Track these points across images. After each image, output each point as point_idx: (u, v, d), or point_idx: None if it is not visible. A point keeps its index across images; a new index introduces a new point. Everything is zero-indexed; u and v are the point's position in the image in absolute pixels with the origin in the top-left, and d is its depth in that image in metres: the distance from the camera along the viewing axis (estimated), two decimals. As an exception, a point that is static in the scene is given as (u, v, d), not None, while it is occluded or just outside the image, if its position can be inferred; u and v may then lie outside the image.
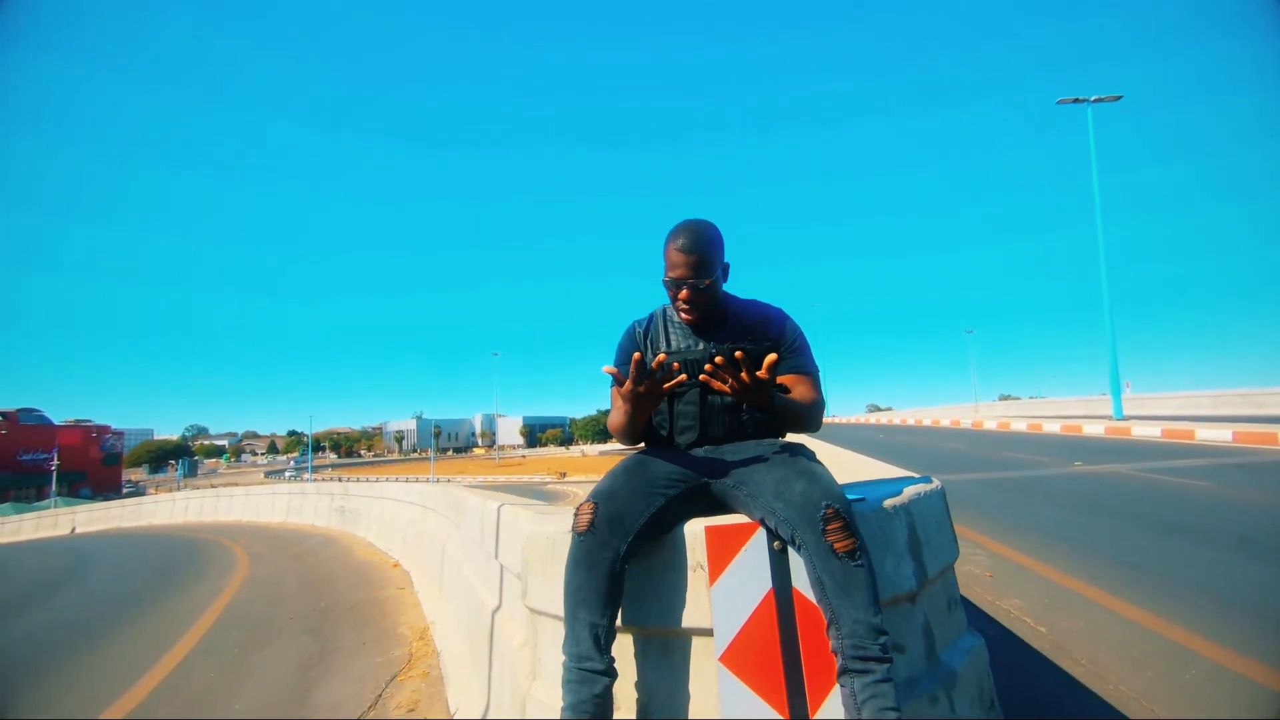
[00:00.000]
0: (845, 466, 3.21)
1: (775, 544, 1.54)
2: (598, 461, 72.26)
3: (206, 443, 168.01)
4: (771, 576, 1.54)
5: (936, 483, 2.05)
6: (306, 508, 15.92)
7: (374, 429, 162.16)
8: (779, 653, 1.50)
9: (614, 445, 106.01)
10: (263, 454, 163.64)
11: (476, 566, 3.73)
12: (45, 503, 46.23)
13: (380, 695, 3.77)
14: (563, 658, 1.54)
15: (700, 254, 1.72)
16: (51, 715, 4.01)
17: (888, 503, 1.75)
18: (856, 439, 21.65)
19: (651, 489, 1.60)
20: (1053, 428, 19.49)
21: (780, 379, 1.75)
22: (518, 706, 2.01)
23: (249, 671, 4.48)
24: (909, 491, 1.85)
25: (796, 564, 1.52)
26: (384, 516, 10.71)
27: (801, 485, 1.48)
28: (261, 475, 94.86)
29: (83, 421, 77.40)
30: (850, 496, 1.62)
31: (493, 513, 3.16)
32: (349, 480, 14.61)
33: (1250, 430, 12.51)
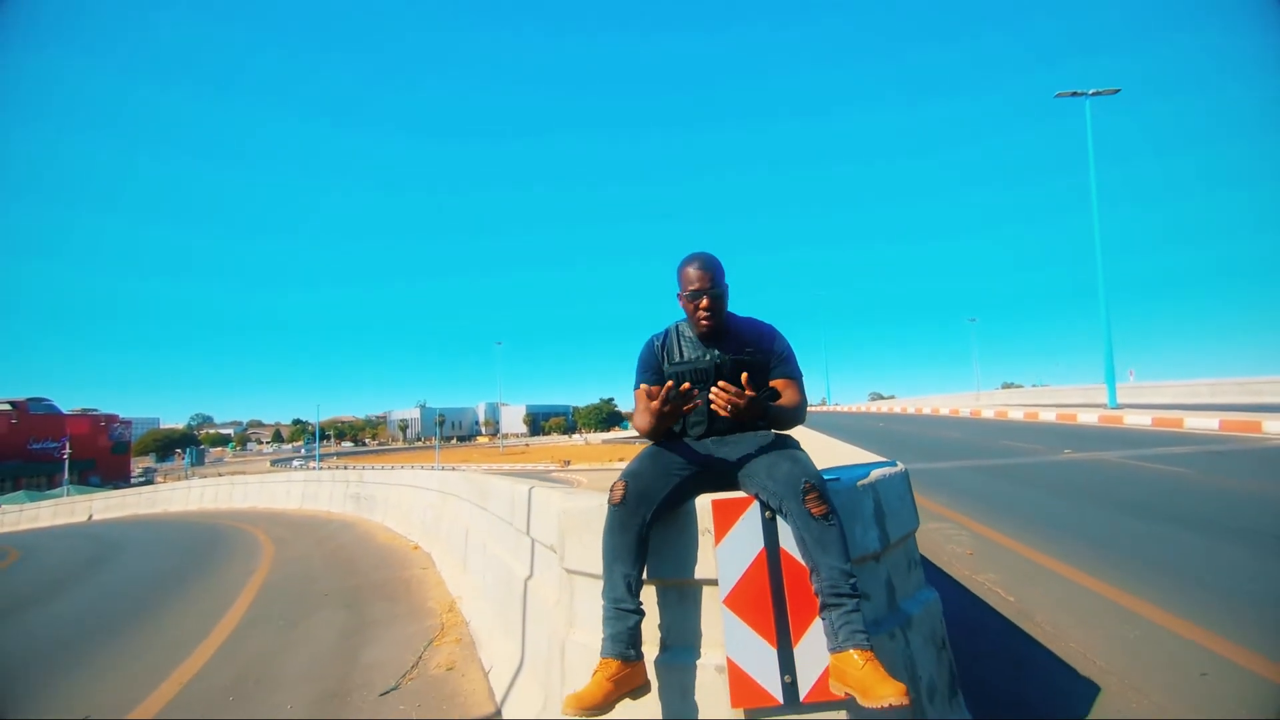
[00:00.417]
0: (830, 452, 3.64)
1: (766, 514, 1.97)
2: (601, 450, 72.99)
3: (212, 431, 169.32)
4: (763, 539, 1.97)
5: (901, 466, 2.49)
6: (322, 494, 16.42)
7: (378, 418, 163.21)
8: (769, 597, 1.94)
9: (615, 434, 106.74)
10: (268, 442, 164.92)
11: (506, 543, 4.18)
12: (58, 491, 46.97)
13: (420, 657, 4.22)
14: (601, 603, 1.98)
15: (712, 270, 2.19)
16: (132, 674, 4.48)
17: (858, 482, 2.18)
18: (856, 428, 22.10)
19: (670, 471, 2.04)
20: (1048, 416, 19.90)
21: (773, 383, 2.18)
22: (556, 651, 2.45)
23: (298, 639, 4.95)
24: (876, 474, 2.29)
25: (783, 530, 1.95)
26: (401, 502, 11.19)
27: (786, 466, 1.92)
28: (268, 464, 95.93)
29: (90, 411, 78.30)
30: (827, 476, 2.07)
31: (523, 495, 3.60)
32: (355, 468, 15.10)
33: (1235, 419, 12.92)
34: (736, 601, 1.94)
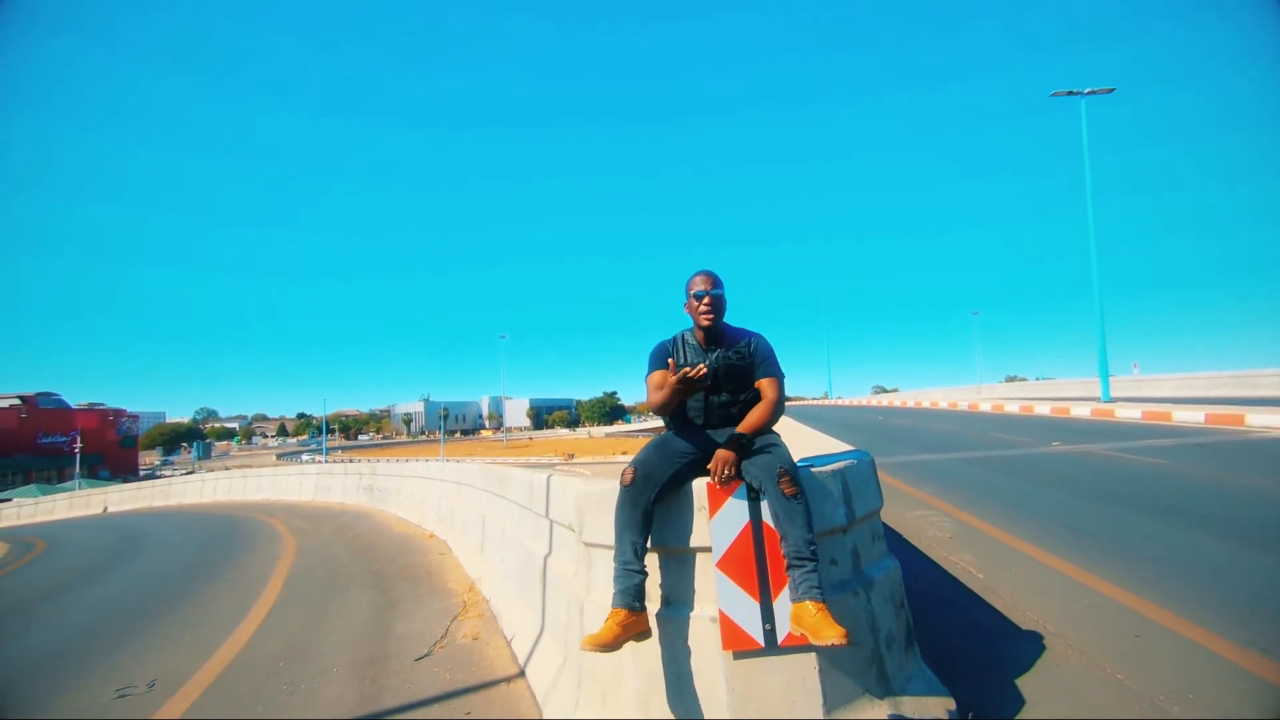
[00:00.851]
0: (812, 443, 4.06)
1: (750, 494, 2.41)
2: (604, 443, 73.49)
3: (217, 425, 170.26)
4: (749, 514, 2.41)
5: (868, 455, 2.92)
6: (335, 487, 16.91)
7: (382, 411, 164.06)
8: (753, 561, 2.37)
9: (619, 428, 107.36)
10: (273, 436, 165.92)
11: (525, 526, 4.63)
12: (69, 484, 47.65)
13: (447, 629, 4.68)
14: (613, 565, 2.42)
15: (714, 279, 2.68)
16: (182, 646, 4.95)
17: (830, 467, 2.62)
18: (854, 421, 22.52)
19: (672, 458, 2.48)
20: (1043, 410, 20.30)
21: (757, 383, 2.63)
22: (576, 611, 2.89)
23: (333, 615, 5.41)
24: (845, 461, 2.72)
25: (764, 507, 2.39)
26: (414, 493, 11.66)
27: (766, 455, 2.36)
28: (273, 457, 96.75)
29: (97, 405, 79.10)
30: (806, 463, 2.51)
31: (542, 481, 4.04)
32: (361, 462, 15.50)
33: (1220, 412, 13.32)
34: (727, 565, 2.37)
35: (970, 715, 2.60)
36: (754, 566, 2.37)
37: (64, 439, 66.27)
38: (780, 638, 2.31)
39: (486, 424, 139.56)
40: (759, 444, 2.46)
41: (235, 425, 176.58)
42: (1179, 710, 2.61)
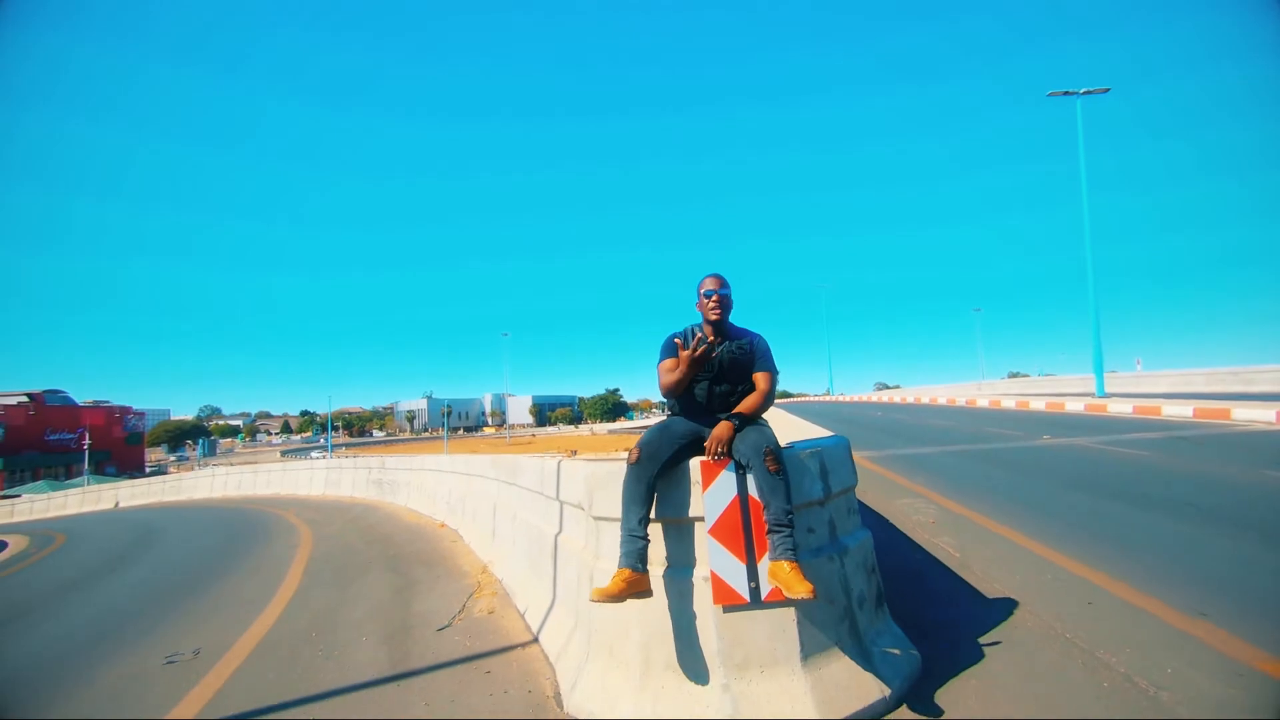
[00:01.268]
0: (800, 431, 4.44)
1: (739, 470, 2.78)
2: (607, 440, 73.87)
3: (221, 423, 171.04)
4: (737, 488, 2.78)
5: (845, 440, 3.29)
6: (344, 481, 17.33)
7: (385, 409, 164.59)
8: (741, 528, 2.75)
9: (621, 425, 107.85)
10: (276, 433, 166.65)
11: (536, 509, 5.00)
12: (78, 480, 48.25)
13: (464, 605, 5.06)
14: (620, 533, 2.79)
15: (723, 278, 3.07)
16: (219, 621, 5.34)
17: (810, 450, 2.99)
18: (853, 417, 22.87)
19: (673, 439, 2.85)
20: (1038, 405, 20.65)
21: (753, 376, 3.01)
22: (586, 577, 3.26)
23: (355, 595, 5.80)
24: (825, 443, 3.09)
25: (750, 482, 2.76)
26: (424, 486, 12.05)
27: (754, 436, 2.73)
28: (278, 454, 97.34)
29: (103, 402, 79.77)
30: (789, 444, 2.88)
31: (553, 467, 4.41)
32: (370, 457, 15.86)
33: (1208, 406, 13.65)
34: (717, 531, 2.75)
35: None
36: (741, 533, 2.74)
37: (71, 436, 66.98)
38: (764, 594, 2.68)
39: (489, 421, 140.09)
40: (749, 427, 2.83)
41: (239, 422, 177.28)
42: (1115, 660, 2.98)
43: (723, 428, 2.79)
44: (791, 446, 2.98)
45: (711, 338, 3.04)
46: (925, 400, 33.28)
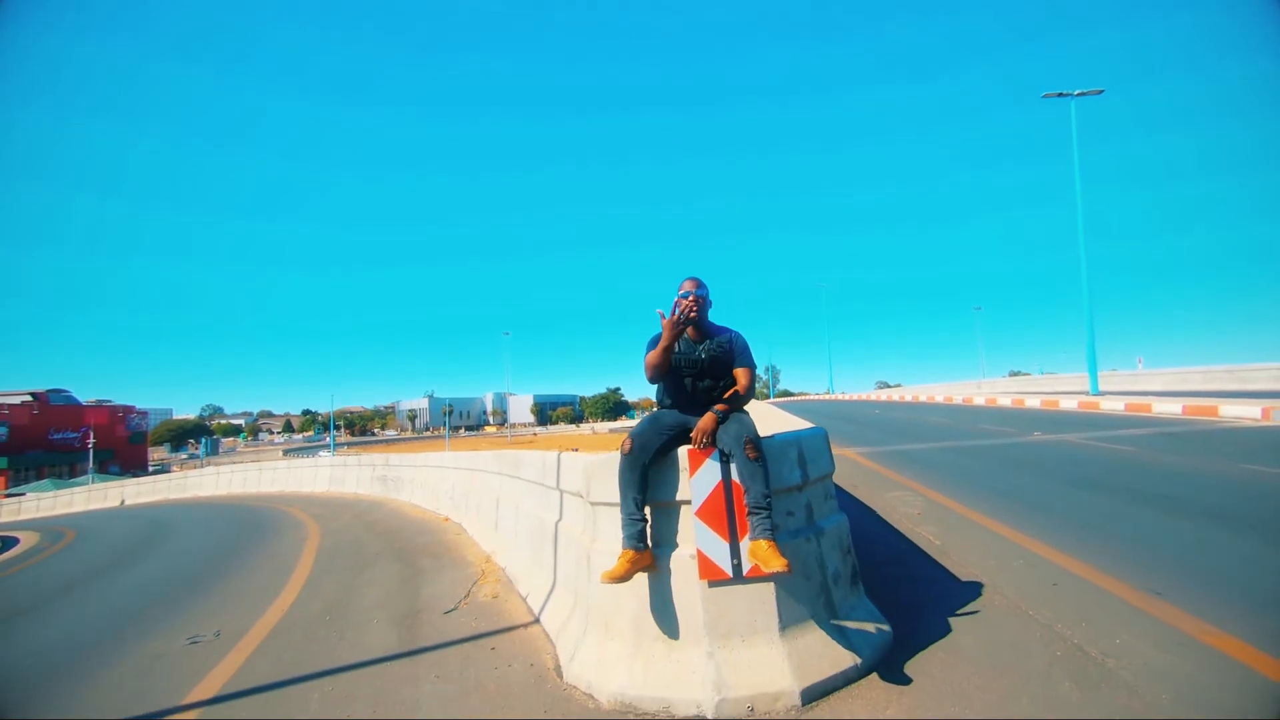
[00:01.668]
0: (786, 423, 4.69)
1: (722, 458, 3.04)
2: (608, 439, 74.10)
3: (223, 422, 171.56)
4: (720, 474, 3.04)
5: (822, 429, 3.55)
6: (349, 478, 17.61)
7: (386, 408, 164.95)
8: (724, 511, 3.00)
9: (622, 424, 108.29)
10: (279, 433, 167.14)
11: (537, 499, 5.27)
12: (82, 479, 48.60)
13: (469, 591, 5.33)
14: (618, 521, 3.05)
15: (700, 280, 3.31)
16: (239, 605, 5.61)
17: (789, 440, 3.25)
18: (851, 414, 23.12)
19: (662, 430, 3.11)
20: (1033, 403, 20.89)
21: (734, 371, 3.26)
22: (584, 559, 3.52)
23: (364, 583, 6.06)
24: (803, 434, 3.35)
25: (732, 468, 3.02)
26: (428, 482, 12.33)
27: (735, 427, 2.99)
28: (280, 453, 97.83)
29: (106, 401, 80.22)
30: (770, 435, 3.14)
31: (553, 459, 4.68)
32: (373, 455, 16.13)
33: (1198, 404, 13.90)
34: (703, 513, 3.00)
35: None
36: (725, 515, 3.00)
37: (75, 435, 67.39)
38: (745, 570, 2.94)
39: (490, 420, 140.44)
40: (731, 418, 3.09)
41: (241, 421, 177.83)
42: (1071, 633, 3.24)
43: (707, 419, 3.05)
44: (772, 437, 3.24)
45: (693, 337, 3.30)
46: (924, 399, 33.54)
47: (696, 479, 3.03)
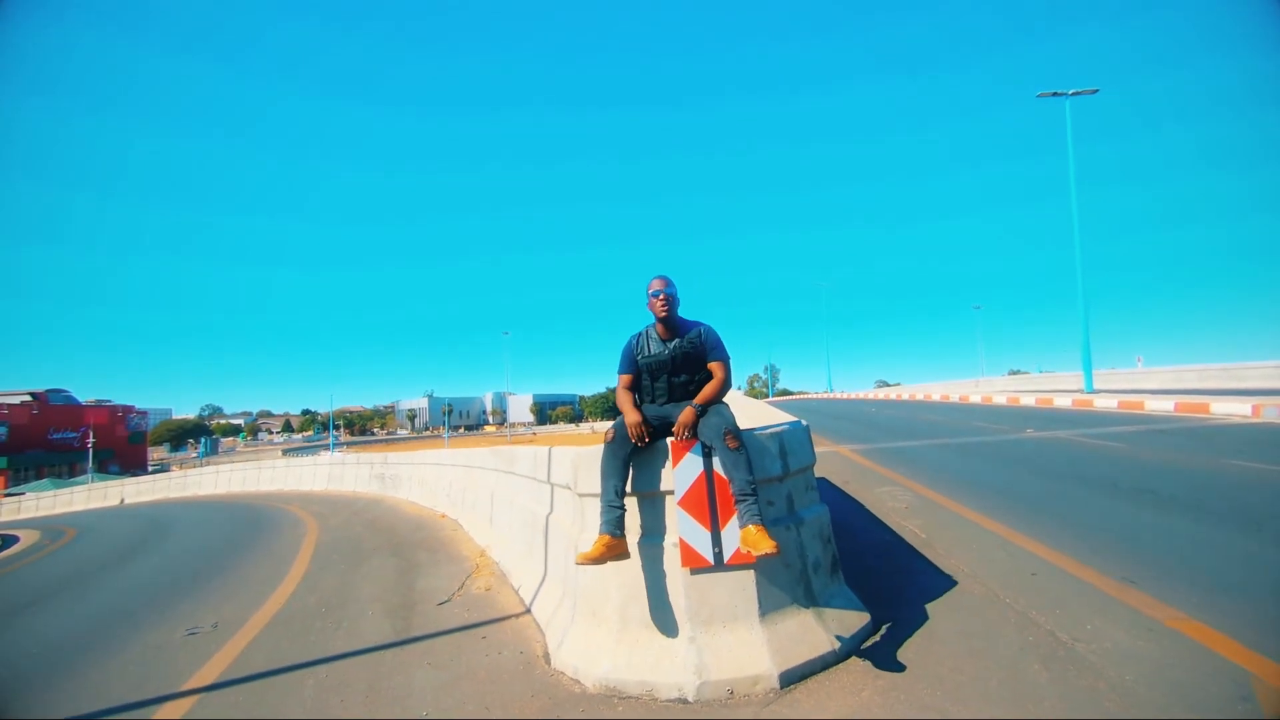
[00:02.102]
0: (772, 416, 4.78)
1: (704, 450, 3.13)
2: (607, 437, 74.42)
3: (222, 422, 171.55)
4: (702, 465, 3.13)
5: (804, 423, 3.65)
6: (347, 476, 17.70)
7: (386, 408, 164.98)
8: (706, 501, 3.10)
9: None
10: (278, 432, 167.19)
11: (529, 493, 5.36)
12: (81, 479, 48.67)
13: (463, 584, 5.42)
14: (600, 505, 3.14)
15: (667, 278, 3.40)
16: (245, 591, 5.70)
17: (769, 431, 3.35)
18: (847, 413, 23.21)
19: (644, 422, 3.20)
20: (1028, 401, 21.00)
21: (709, 365, 3.35)
22: (571, 548, 3.61)
23: (361, 576, 6.16)
24: (783, 427, 3.45)
25: (715, 460, 3.11)
26: (425, 479, 12.42)
27: (715, 420, 3.08)
28: (279, 453, 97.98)
29: (105, 401, 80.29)
30: (753, 428, 3.23)
31: (545, 453, 4.78)
32: (372, 454, 16.23)
33: (1189, 401, 14.00)
34: (685, 503, 3.10)
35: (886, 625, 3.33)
36: (707, 504, 3.10)
37: (75, 435, 67.49)
38: (726, 558, 3.03)
39: (490, 420, 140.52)
40: (710, 411, 3.18)
41: (240, 421, 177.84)
42: (1044, 619, 3.34)
43: (687, 413, 3.14)
44: (753, 430, 3.33)
45: (663, 334, 3.39)
46: (920, 397, 33.65)
47: (679, 470, 3.13)
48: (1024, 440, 11.15)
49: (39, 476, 57.45)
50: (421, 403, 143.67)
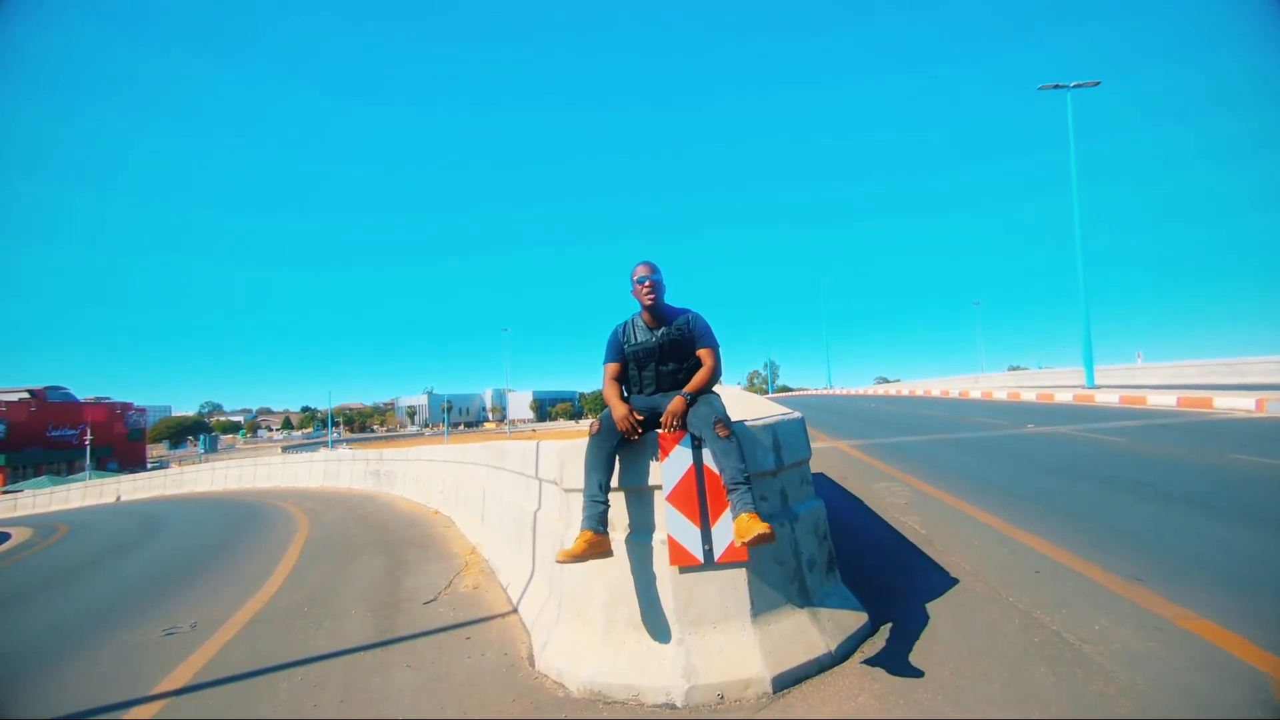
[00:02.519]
0: (765, 409, 4.64)
1: (694, 443, 2.99)
2: (606, 434, 74.36)
3: (222, 419, 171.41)
4: (692, 458, 2.99)
5: (799, 415, 3.50)
6: (343, 473, 17.58)
7: (385, 404, 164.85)
8: (696, 496, 2.96)
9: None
10: (278, 430, 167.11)
11: (519, 489, 5.22)
12: (79, 476, 48.58)
13: (451, 582, 5.28)
14: (583, 499, 3.00)
15: (653, 265, 3.26)
16: (238, 581, 5.56)
17: (762, 423, 3.20)
18: (846, 409, 23.08)
19: (631, 413, 3.05)
20: (1029, 396, 20.86)
21: (697, 353, 3.20)
22: (558, 543, 3.47)
23: (349, 574, 6.02)
24: (777, 420, 3.30)
25: (704, 453, 2.97)
26: (420, 476, 12.29)
27: (704, 409, 2.94)
28: (279, 450, 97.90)
29: (104, 399, 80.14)
30: (747, 420, 3.08)
31: (533, 447, 4.63)
32: (369, 451, 16.13)
33: (1192, 395, 13.86)
34: (674, 499, 2.96)
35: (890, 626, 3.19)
36: (696, 500, 2.95)
37: (73, 432, 67.33)
38: (716, 556, 2.89)
39: (490, 417, 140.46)
40: (700, 401, 3.04)
41: (240, 419, 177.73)
42: (1049, 619, 3.20)
43: (676, 402, 3.00)
44: (745, 421, 3.19)
45: (649, 322, 3.25)
46: (920, 393, 33.51)
47: (667, 463, 2.98)
48: (1025, 435, 11.02)
49: (37, 474, 57.37)
50: (421, 399, 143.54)
